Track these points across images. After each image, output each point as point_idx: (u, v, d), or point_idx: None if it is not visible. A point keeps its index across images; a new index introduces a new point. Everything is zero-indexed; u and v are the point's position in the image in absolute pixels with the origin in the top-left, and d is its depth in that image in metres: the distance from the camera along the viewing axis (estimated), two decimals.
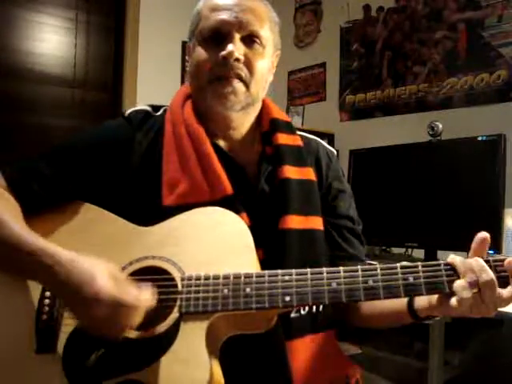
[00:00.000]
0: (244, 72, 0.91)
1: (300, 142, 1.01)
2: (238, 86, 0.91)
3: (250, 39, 0.92)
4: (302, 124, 2.91)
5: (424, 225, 1.94)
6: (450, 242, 1.87)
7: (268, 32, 0.95)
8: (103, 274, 0.72)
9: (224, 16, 0.91)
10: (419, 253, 1.99)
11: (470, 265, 0.71)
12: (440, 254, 1.92)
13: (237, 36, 0.91)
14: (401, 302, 0.85)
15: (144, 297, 0.73)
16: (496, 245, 1.71)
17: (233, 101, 0.91)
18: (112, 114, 2.72)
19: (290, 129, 1.02)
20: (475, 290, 0.70)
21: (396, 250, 2.20)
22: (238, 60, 0.90)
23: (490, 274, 0.69)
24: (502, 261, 0.72)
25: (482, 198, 1.78)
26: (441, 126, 1.99)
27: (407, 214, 2.00)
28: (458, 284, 0.70)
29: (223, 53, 0.89)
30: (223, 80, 0.90)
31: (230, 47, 0.89)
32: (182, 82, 2.96)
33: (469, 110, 2.28)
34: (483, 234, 0.74)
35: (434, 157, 1.98)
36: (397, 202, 2.04)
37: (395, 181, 2.08)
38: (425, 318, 0.84)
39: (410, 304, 0.83)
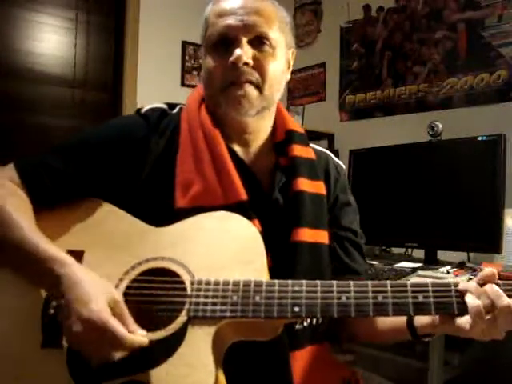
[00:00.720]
0: (255, 76, 0.90)
1: (313, 155, 1.02)
2: (250, 89, 0.90)
3: (259, 41, 0.91)
4: (302, 124, 2.91)
5: (424, 225, 1.94)
6: (450, 242, 1.87)
7: (277, 32, 0.93)
8: (102, 298, 0.72)
9: (230, 21, 0.90)
10: (419, 253, 1.99)
11: (485, 290, 0.71)
12: (440, 253, 1.92)
13: (244, 40, 0.89)
14: (400, 319, 0.85)
15: (134, 335, 0.72)
16: (496, 245, 1.72)
17: (246, 106, 0.90)
18: (112, 114, 2.72)
19: (304, 141, 1.02)
20: (489, 316, 0.70)
21: (396, 250, 2.20)
22: (247, 64, 0.89)
23: (506, 300, 0.70)
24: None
25: (482, 197, 1.78)
26: (441, 125, 1.99)
27: (407, 214, 2.00)
28: (474, 309, 0.70)
29: (231, 58, 0.88)
30: (233, 85, 0.90)
31: (237, 52, 0.88)
32: (182, 82, 2.96)
33: (469, 110, 2.28)
34: (493, 271, 0.74)
35: (434, 157, 1.98)
36: (397, 202, 2.04)
37: (395, 181, 2.08)
38: (423, 335, 0.84)
39: (410, 321, 0.83)
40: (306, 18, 3.14)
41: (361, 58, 2.79)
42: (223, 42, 0.91)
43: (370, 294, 0.74)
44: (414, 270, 1.68)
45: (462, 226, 1.84)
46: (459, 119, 2.26)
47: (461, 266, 1.75)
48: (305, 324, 0.90)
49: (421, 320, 0.82)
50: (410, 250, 2.10)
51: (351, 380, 0.94)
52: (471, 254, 1.90)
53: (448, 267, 1.70)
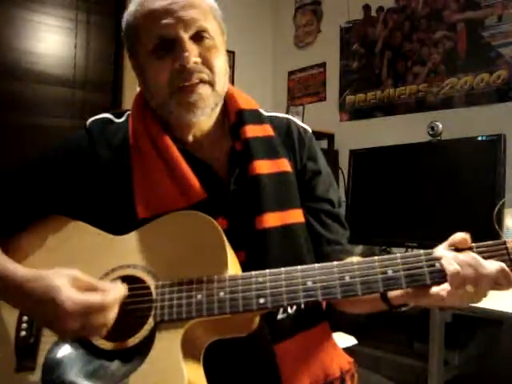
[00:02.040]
0: (205, 72, 0.85)
1: (270, 132, 0.95)
2: (204, 90, 0.86)
3: (200, 36, 0.85)
4: None
5: (424, 224, 1.94)
6: None
7: (213, 22, 0.89)
8: (64, 284, 0.72)
9: (166, 20, 0.83)
10: None
11: (466, 260, 0.69)
12: None
13: (185, 36, 0.84)
14: None
15: (112, 291, 0.73)
16: None
17: (202, 107, 0.86)
18: None
19: (258, 118, 0.96)
20: (470, 285, 0.68)
21: (396, 250, 2.20)
22: (195, 63, 0.84)
23: (488, 268, 0.68)
24: (485, 246, 0.71)
25: (482, 198, 1.78)
26: (441, 125, 1.99)
27: (407, 214, 2.00)
28: (455, 278, 0.68)
29: (180, 62, 0.83)
30: (186, 89, 0.85)
31: (185, 54, 0.83)
32: None
33: (469, 110, 2.28)
34: (464, 236, 0.73)
35: (434, 157, 1.98)
36: (397, 202, 2.04)
37: (395, 181, 2.08)
38: (399, 306, 0.81)
39: (383, 293, 0.79)
40: (306, 18, 3.14)
41: (361, 58, 2.79)
42: (163, 44, 0.85)
43: (336, 276, 0.71)
44: None
45: (461, 226, 1.83)
46: (459, 119, 2.26)
47: None
48: (289, 311, 0.87)
49: (393, 292, 0.78)
50: (409, 250, 2.10)
51: (346, 373, 0.91)
52: None
53: None
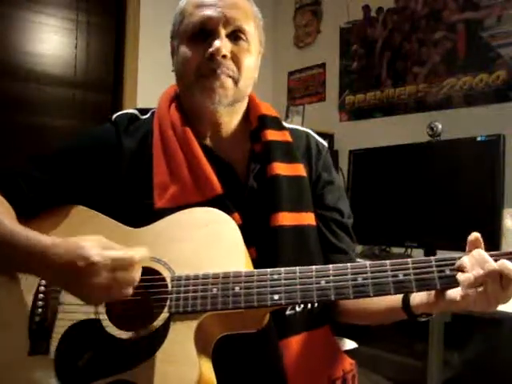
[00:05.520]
0: (232, 68, 0.91)
1: (289, 138, 1.00)
2: (226, 80, 0.90)
3: (236, 35, 0.92)
4: (302, 124, 2.92)
5: (424, 224, 1.95)
6: (449, 242, 1.87)
7: (253, 28, 0.95)
8: (91, 243, 0.72)
9: (209, 12, 0.90)
10: (419, 252, 1.99)
11: (473, 258, 0.70)
12: (439, 253, 1.92)
13: (223, 32, 0.90)
14: (396, 299, 0.83)
15: (138, 250, 0.73)
16: (496, 245, 1.72)
17: (221, 94, 0.90)
18: (112, 114, 2.72)
19: (278, 124, 1.01)
20: (481, 288, 0.68)
21: (396, 250, 2.21)
22: (224, 56, 0.89)
23: (492, 265, 0.68)
24: (499, 255, 0.71)
25: (482, 197, 1.78)
26: (440, 126, 2.00)
27: (407, 214, 2.01)
28: (465, 278, 0.68)
29: (210, 49, 0.89)
30: (211, 75, 0.90)
31: (217, 43, 0.88)
32: None
33: (468, 110, 2.28)
34: (474, 235, 0.74)
35: (434, 157, 1.98)
36: (396, 202, 2.05)
37: (395, 181, 2.08)
38: (420, 315, 0.82)
39: (405, 301, 0.82)
40: (305, 18, 3.15)
41: (360, 59, 2.80)
42: (201, 33, 0.91)
43: (350, 277, 0.73)
44: None
45: (461, 226, 1.84)
46: (458, 119, 2.27)
47: None
48: (297, 309, 0.89)
49: (416, 300, 0.80)
50: (409, 250, 2.10)
51: (348, 373, 0.93)
52: None
53: None
